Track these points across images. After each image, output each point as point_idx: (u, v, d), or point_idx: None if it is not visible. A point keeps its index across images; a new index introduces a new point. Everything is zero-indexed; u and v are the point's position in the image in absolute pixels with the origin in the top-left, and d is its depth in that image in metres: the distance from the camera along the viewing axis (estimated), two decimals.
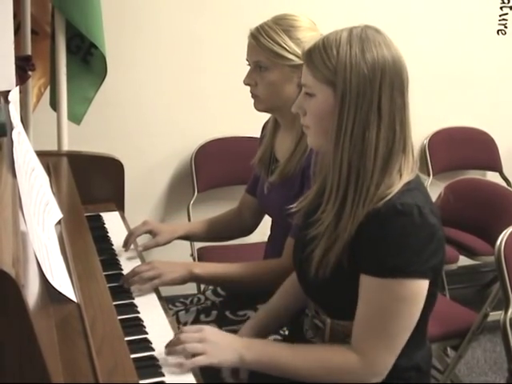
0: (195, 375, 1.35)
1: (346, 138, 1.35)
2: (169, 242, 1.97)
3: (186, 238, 2.07)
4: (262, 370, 1.43)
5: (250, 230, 2.13)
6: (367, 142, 1.34)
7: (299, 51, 1.71)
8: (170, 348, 1.38)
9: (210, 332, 1.42)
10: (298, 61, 1.72)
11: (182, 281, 1.74)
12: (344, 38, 1.35)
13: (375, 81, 1.33)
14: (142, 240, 2.02)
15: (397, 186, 1.35)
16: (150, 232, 1.96)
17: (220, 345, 1.39)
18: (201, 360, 1.36)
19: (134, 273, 1.70)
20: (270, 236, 2.00)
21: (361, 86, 1.33)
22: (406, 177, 1.37)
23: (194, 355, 1.36)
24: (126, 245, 1.88)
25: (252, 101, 1.82)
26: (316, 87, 1.38)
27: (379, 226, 1.33)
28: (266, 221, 2.03)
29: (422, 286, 1.35)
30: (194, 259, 2.78)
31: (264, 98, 1.79)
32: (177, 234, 1.99)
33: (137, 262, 1.82)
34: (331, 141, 1.37)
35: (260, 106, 1.82)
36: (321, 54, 1.36)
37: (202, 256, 2.76)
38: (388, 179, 1.36)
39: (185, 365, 1.35)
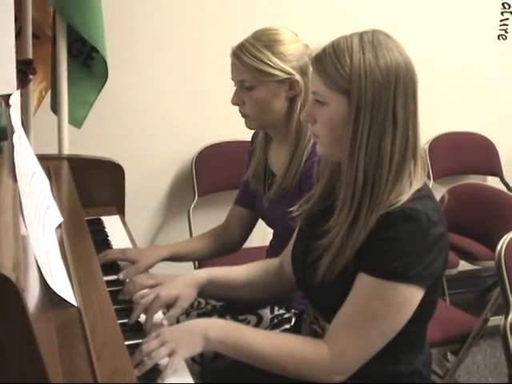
0: (194, 377, 1.35)
1: (362, 149, 1.32)
2: (151, 266, 1.82)
3: (172, 259, 1.92)
4: (226, 353, 1.39)
5: (238, 245, 2.05)
6: (383, 152, 1.31)
7: (283, 65, 1.71)
8: (140, 367, 1.31)
9: (168, 331, 1.40)
10: (283, 75, 1.71)
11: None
12: (356, 45, 1.32)
13: (390, 88, 1.31)
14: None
15: (407, 194, 1.33)
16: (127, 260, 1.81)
17: (182, 336, 1.37)
18: (174, 361, 1.32)
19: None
20: (271, 242, 1.99)
21: (376, 94, 1.30)
22: (416, 183, 1.36)
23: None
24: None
25: None
26: (329, 96, 1.34)
27: (386, 229, 1.31)
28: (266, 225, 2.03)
29: (415, 294, 1.33)
30: (195, 265, 2.78)
31: (254, 117, 1.78)
32: (161, 257, 1.87)
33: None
34: (345, 151, 1.34)
35: (252, 124, 1.81)
36: (333, 62, 1.32)
37: (203, 262, 2.75)
38: (399, 186, 1.34)
39: (165, 376, 1.30)
